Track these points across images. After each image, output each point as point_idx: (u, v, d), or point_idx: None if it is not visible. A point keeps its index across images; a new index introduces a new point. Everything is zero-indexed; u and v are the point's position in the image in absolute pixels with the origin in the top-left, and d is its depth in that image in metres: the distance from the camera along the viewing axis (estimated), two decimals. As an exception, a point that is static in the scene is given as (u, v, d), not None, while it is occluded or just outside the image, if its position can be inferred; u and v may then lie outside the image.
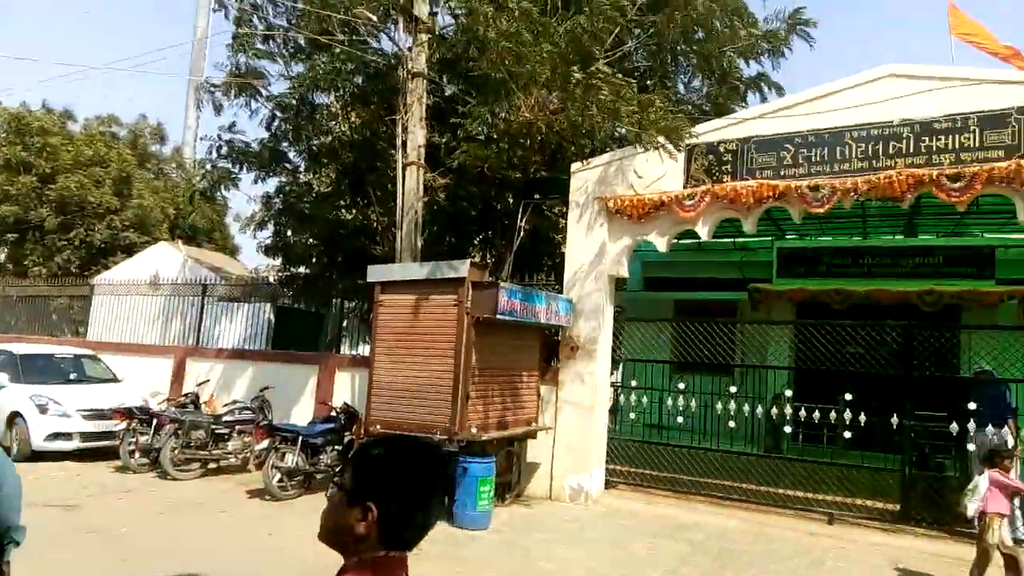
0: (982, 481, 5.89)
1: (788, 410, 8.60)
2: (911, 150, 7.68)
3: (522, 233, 9.72)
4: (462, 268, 7.79)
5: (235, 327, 14.74)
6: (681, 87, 11.93)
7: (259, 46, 11.57)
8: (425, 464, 1.40)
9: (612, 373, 9.58)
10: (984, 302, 11.08)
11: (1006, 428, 7.60)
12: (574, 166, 9.46)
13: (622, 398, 9.76)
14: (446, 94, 11.05)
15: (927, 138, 7.63)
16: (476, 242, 12.67)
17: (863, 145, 7.92)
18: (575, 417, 8.88)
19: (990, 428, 7.60)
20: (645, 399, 9.47)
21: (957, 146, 7.50)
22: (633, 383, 9.65)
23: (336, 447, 8.79)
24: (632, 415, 9.64)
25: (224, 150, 12.52)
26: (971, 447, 7.70)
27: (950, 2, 10.24)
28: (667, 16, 9.29)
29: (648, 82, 11.20)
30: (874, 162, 7.84)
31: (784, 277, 12.40)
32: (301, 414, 10.69)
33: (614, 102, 7.36)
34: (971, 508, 5.92)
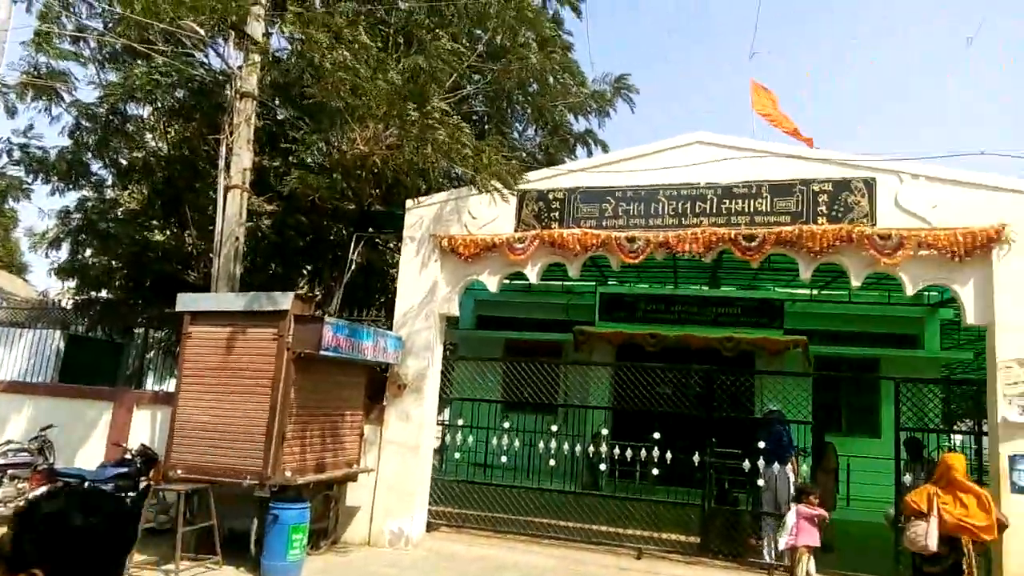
0: (790, 517, 6.44)
1: (604, 448, 9.00)
2: (714, 211, 8.47)
3: (353, 266, 9.47)
4: (284, 300, 7.41)
5: (15, 356, 12.93)
6: (516, 134, 12.37)
7: (66, 46, 10.47)
8: (102, 522, 1.25)
9: (441, 412, 9.51)
10: (773, 349, 12.40)
11: (789, 465, 8.47)
12: (409, 202, 9.43)
13: (447, 437, 9.71)
14: (279, 118, 10.63)
15: (727, 201, 8.46)
16: (305, 273, 12.16)
17: (674, 203, 8.62)
18: (399, 457, 8.67)
19: (776, 466, 8.43)
20: (471, 438, 9.49)
21: (752, 210, 8.39)
22: (460, 421, 9.64)
23: (129, 494, 7.91)
24: (457, 454, 9.60)
25: (16, 155, 11.11)
26: (760, 483, 8.47)
27: (752, 80, 11.57)
28: (504, 66, 9.64)
29: (486, 127, 11.52)
30: (683, 219, 8.55)
31: (605, 320, 13.13)
32: (91, 457, 9.50)
33: (450, 143, 7.45)
34: (782, 543, 6.45)
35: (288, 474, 7.20)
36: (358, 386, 8.58)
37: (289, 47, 10.39)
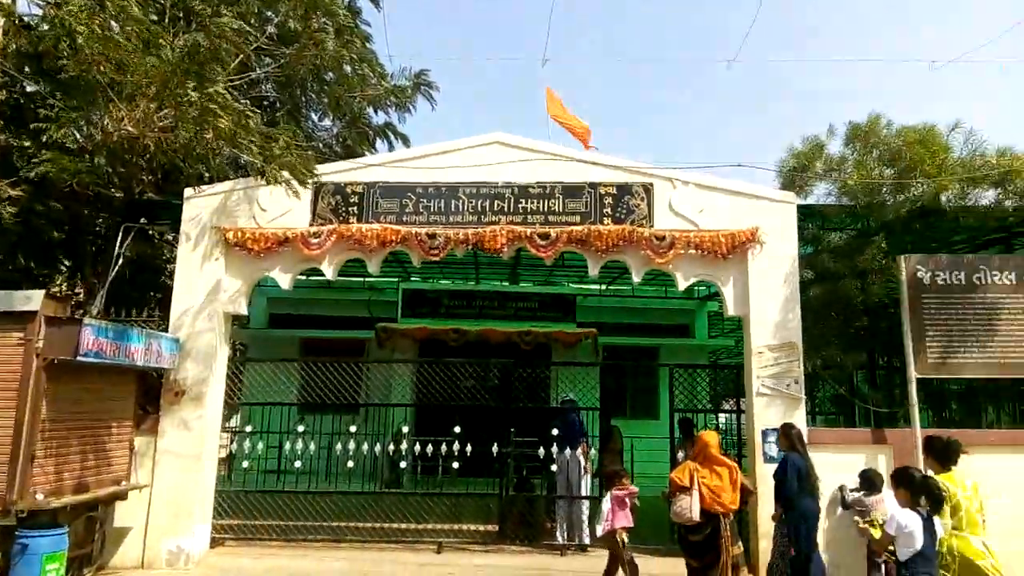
0: (605, 503, 6.73)
1: (404, 446, 8.93)
2: (512, 209, 8.73)
3: (121, 261, 8.46)
4: (33, 300, 6.42)
5: None
6: (312, 124, 11.84)
7: None
8: None
9: (230, 419, 8.84)
10: (567, 341, 13.10)
11: (579, 450, 8.99)
12: (188, 191, 8.63)
13: (235, 445, 9.06)
14: (27, 91, 9.21)
15: (524, 200, 8.76)
16: (63, 269, 10.68)
17: (474, 201, 8.75)
18: (177, 470, 7.92)
19: (568, 451, 8.90)
20: (261, 445, 8.93)
21: (547, 209, 8.75)
22: (249, 428, 9.04)
23: None
24: (246, 463, 9.00)
25: None
26: (554, 468, 8.90)
27: (548, 87, 12.10)
28: (298, 51, 9.16)
29: (278, 114, 10.89)
30: (483, 217, 8.71)
31: (408, 317, 13.05)
32: None
33: (234, 129, 6.91)
34: (600, 529, 6.71)
35: (40, 497, 6.27)
36: (127, 395, 7.71)
37: (41, 11, 9.04)
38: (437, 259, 8.60)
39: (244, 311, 8.77)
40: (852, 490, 7.41)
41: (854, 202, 8.87)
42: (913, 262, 8.30)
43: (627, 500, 6.63)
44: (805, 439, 6.86)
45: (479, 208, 8.73)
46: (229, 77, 7.76)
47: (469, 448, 8.71)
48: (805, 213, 9.03)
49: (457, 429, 8.87)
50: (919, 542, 4.40)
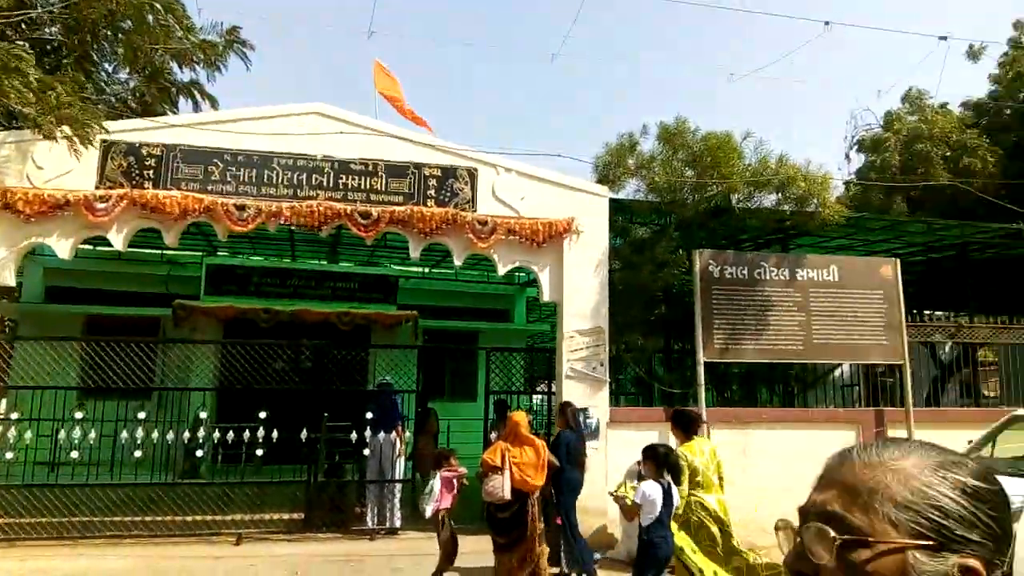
0: (435, 483, 6.63)
1: (202, 433, 8.30)
2: (331, 185, 8.37)
3: None
4: None
5: None
6: (105, 76, 10.55)
7: None
8: None
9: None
10: (387, 323, 12.90)
11: (394, 433, 8.88)
12: (-61, 140, 7.34)
13: (-3, 434, 7.89)
14: None
15: (345, 176, 8.43)
16: None
17: (289, 173, 8.28)
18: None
19: (382, 434, 8.76)
20: (30, 434, 7.86)
21: (369, 187, 8.50)
22: (15, 415, 7.91)
23: None
24: (10, 454, 7.88)
25: None
26: (366, 452, 8.71)
27: (376, 59, 11.70)
28: (87, -10, 8.08)
29: (64, 60, 9.56)
30: (299, 191, 8.27)
31: (213, 294, 12.11)
32: None
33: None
34: (428, 509, 6.59)
35: None
36: None
37: None
38: (245, 232, 8.05)
39: (11, 282, 7.65)
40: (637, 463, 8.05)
41: (659, 199, 9.56)
42: (705, 257, 9.10)
43: (454, 481, 6.70)
44: (581, 417, 7.38)
45: (296, 181, 8.28)
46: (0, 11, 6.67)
47: (276, 434, 8.28)
48: (617, 207, 9.58)
49: (263, 414, 8.39)
50: (659, 509, 5.02)
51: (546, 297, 8.84)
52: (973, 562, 0.77)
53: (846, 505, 0.83)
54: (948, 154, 13.42)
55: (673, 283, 9.67)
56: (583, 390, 8.48)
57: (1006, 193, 12.94)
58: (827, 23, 9.60)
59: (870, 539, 0.79)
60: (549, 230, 8.65)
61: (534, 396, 12.22)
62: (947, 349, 13.72)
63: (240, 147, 8.18)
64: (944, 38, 10.17)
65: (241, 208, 7.91)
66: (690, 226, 9.75)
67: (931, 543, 0.78)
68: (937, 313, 14.54)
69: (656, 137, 9.98)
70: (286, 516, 8.58)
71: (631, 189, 9.98)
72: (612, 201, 9.27)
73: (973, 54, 14.90)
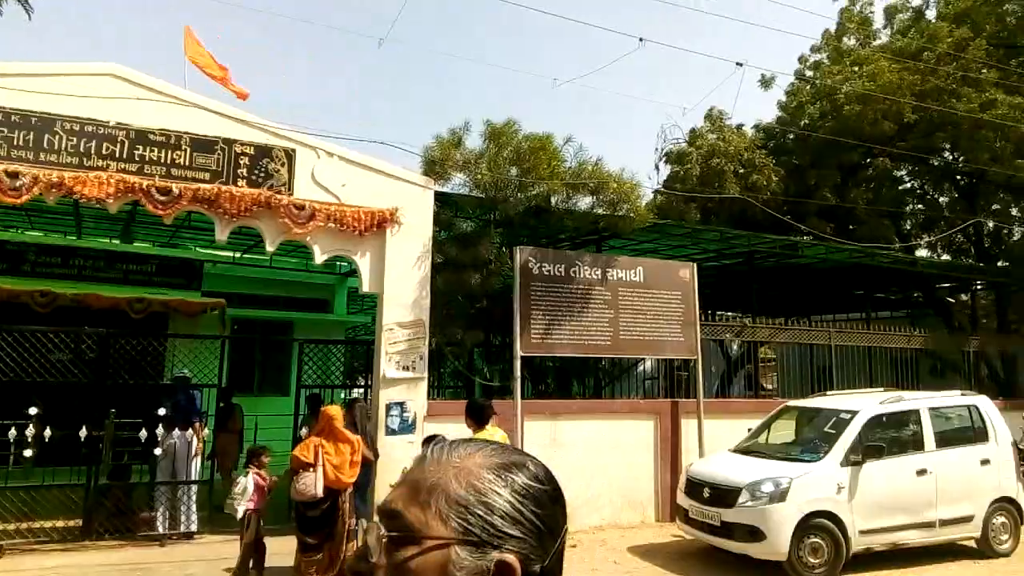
0: (249, 482, 6.14)
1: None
2: (125, 156, 7.53)
3: None
4: None
5: None
6: None
7: None
8: None
9: None
10: (189, 312, 11.87)
11: (190, 430, 8.20)
12: None
13: None
14: None
15: (141, 147, 7.62)
16: None
17: (75, 139, 7.33)
18: None
19: (176, 432, 8.05)
20: None
21: (169, 161, 7.74)
22: None
23: None
24: None
25: None
26: (157, 451, 7.97)
27: (186, 25, 10.71)
28: None
29: None
30: (86, 160, 7.35)
31: (-26, 273, 10.45)
32: None
33: None
34: (240, 509, 6.10)
35: None
36: None
37: None
38: (17, 203, 7.01)
39: None
40: None
41: (484, 195, 9.68)
42: (526, 253, 9.36)
43: (263, 487, 6.42)
44: (371, 414, 7.41)
45: (81, 149, 7.35)
46: None
47: (49, 432, 7.31)
48: (442, 200, 9.57)
49: (34, 410, 7.37)
50: None
51: (366, 288, 8.62)
52: (510, 557, 0.77)
53: (407, 502, 0.80)
54: (740, 171, 14.94)
55: (496, 284, 9.86)
56: (401, 384, 8.39)
57: (787, 209, 14.68)
58: (641, 39, 10.27)
59: (418, 535, 0.77)
60: (371, 219, 8.44)
61: (354, 390, 11.87)
62: (734, 347, 15.32)
63: (15, 105, 7.10)
64: (740, 64, 11.29)
65: (14, 176, 6.88)
66: (513, 223, 9.98)
67: (474, 539, 0.77)
68: (727, 313, 16.15)
69: (483, 135, 10.10)
70: (60, 524, 7.62)
71: (458, 183, 10.02)
72: (438, 194, 9.24)
73: (765, 82, 16.72)
